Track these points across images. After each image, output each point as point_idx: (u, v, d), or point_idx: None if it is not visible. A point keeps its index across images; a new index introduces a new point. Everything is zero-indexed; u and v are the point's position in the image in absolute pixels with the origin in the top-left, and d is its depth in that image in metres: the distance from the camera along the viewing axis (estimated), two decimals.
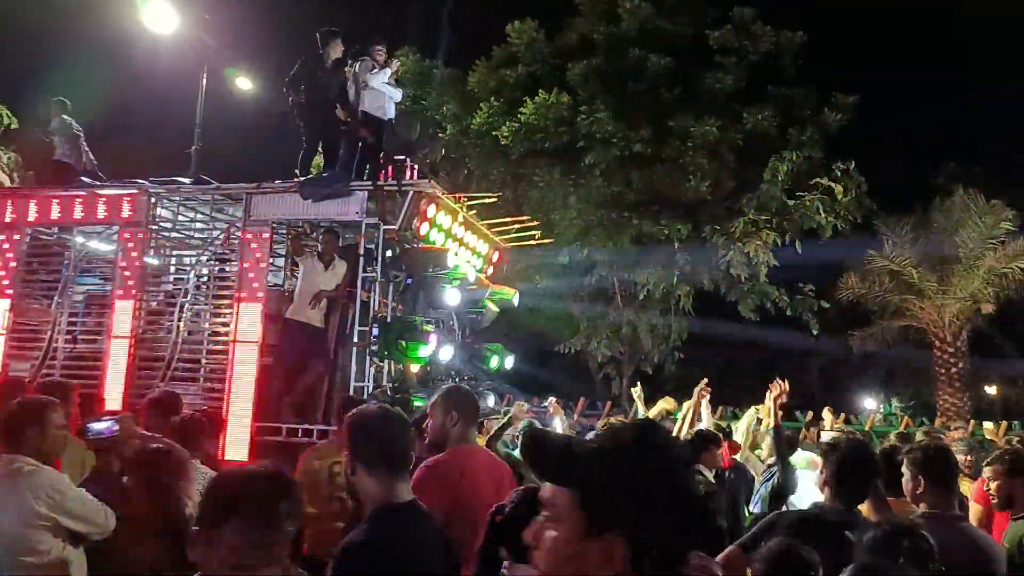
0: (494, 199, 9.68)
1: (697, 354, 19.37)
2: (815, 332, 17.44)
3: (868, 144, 17.15)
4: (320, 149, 7.72)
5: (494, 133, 17.38)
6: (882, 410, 21.90)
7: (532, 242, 10.26)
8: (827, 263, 18.48)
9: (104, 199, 7.67)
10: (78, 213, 7.74)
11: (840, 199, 15.60)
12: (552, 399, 8.48)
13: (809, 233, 16.10)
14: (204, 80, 14.01)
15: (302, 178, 7.54)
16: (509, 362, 9.54)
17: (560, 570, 1.24)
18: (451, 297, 7.82)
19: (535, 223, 10.07)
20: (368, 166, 7.70)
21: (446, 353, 8.33)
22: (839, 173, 15.62)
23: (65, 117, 9.07)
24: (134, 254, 7.47)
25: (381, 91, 7.97)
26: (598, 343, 19.31)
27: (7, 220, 7.90)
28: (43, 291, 8.09)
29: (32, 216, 7.88)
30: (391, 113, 8.12)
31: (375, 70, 8.01)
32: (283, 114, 7.99)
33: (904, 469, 3.20)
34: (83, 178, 8.39)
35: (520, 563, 2.58)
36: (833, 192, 15.59)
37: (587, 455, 1.28)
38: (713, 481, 4.78)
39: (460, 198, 8.26)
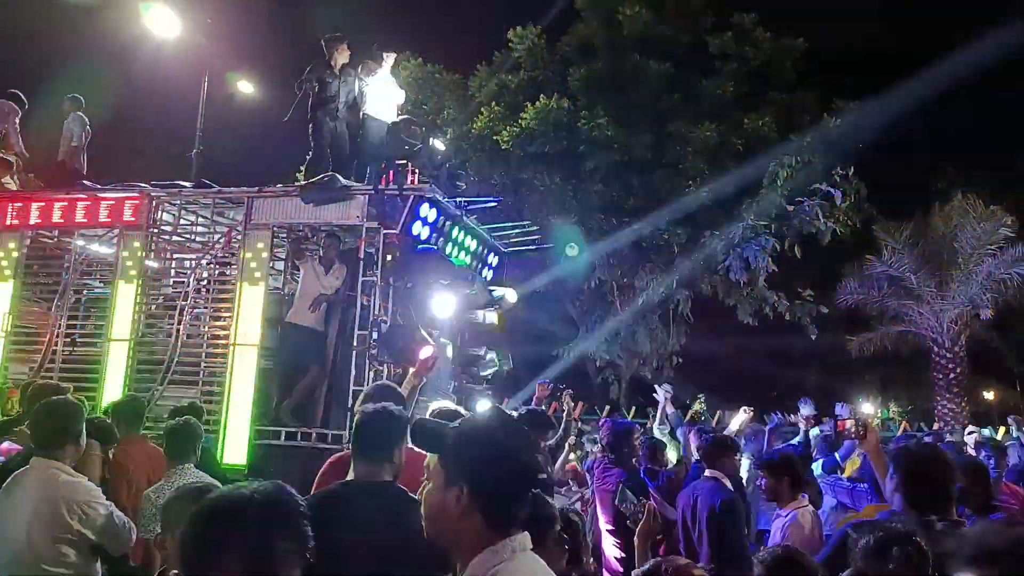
0: (494, 204, 9.71)
1: (695, 359, 19.39)
2: (813, 337, 17.46)
3: (867, 149, 17.16)
4: (328, 155, 7.74)
5: (495, 138, 17.42)
6: (879, 415, 21.90)
7: (533, 247, 10.29)
8: (826, 268, 18.51)
9: (106, 203, 7.70)
10: (80, 216, 7.78)
11: (839, 204, 15.63)
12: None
13: (808, 238, 16.14)
14: (205, 84, 14.07)
15: (303, 182, 7.58)
16: (507, 365, 9.58)
17: (433, 513, 1.72)
18: (450, 301, 7.85)
19: (535, 228, 10.10)
20: (369, 170, 7.74)
21: (444, 357, 8.39)
22: (838, 178, 15.67)
23: (80, 115, 9.14)
24: (134, 257, 7.50)
25: (383, 94, 8.03)
26: (596, 347, 19.34)
27: (9, 223, 7.93)
28: (43, 294, 8.12)
29: (34, 219, 7.91)
30: (392, 117, 8.17)
31: (376, 74, 8.07)
32: (286, 118, 8.01)
33: None
34: (84, 182, 8.43)
35: None
36: (832, 197, 15.63)
37: (451, 433, 1.73)
38: (731, 488, 4.73)
39: (461, 202, 8.29)
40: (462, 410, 4.72)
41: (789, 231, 15.95)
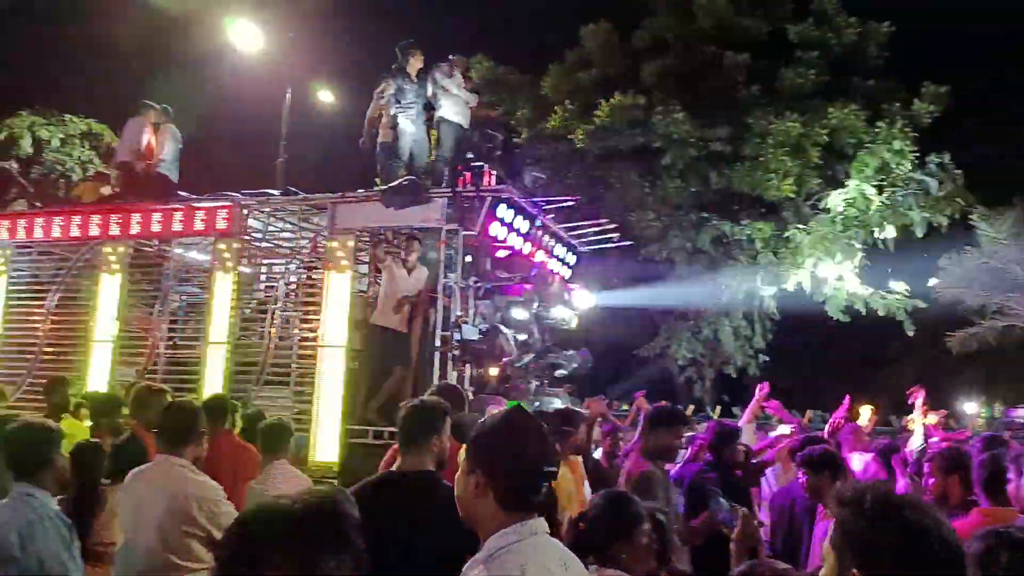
0: (572, 203, 9.69)
1: (783, 357, 18.82)
2: (910, 333, 16.67)
3: (964, 136, 16.24)
4: (407, 159, 7.90)
5: (569, 137, 17.38)
6: (983, 414, 20.70)
7: (610, 245, 10.22)
8: (922, 261, 17.64)
9: (201, 212, 8.07)
10: (177, 226, 8.18)
11: (934, 193, 14.86)
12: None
13: (902, 230, 15.40)
14: (289, 96, 14.58)
15: (384, 186, 7.75)
16: (587, 366, 9.54)
17: (459, 495, 1.94)
18: (528, 301, 7.89)
19: (613, 226, 10.02)
20: (447, 173, 7.85)
21: (524, 357, 8.42)
22: (933, 166, 14.90)
23: (172, 127, 9.64)
24: (228, 264, 7.83)
25: (459, 97, 8.12)
26: (678, 346, 19.03)
27: (114, 233, 8.42)
28: (146, 300, 8.59)
29: (135, 229, 8.37)
30: (468, 119, 8.26)
31: (451, 77, 8.17)
32: (367, 125, 8.22)
33: None
34: (180, 192, 8.87)
35: (607, 568, 2.59)
36: (927, 187, 14.88)
37: (476, 427, 1.98)
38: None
39: (537, 203, 8.31)
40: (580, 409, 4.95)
41: (881, 223, 15.26)
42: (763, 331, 18.40)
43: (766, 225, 15.92)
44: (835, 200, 15.27)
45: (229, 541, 1.39)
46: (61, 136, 21.14)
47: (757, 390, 7.03)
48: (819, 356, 21.39)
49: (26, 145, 20.66)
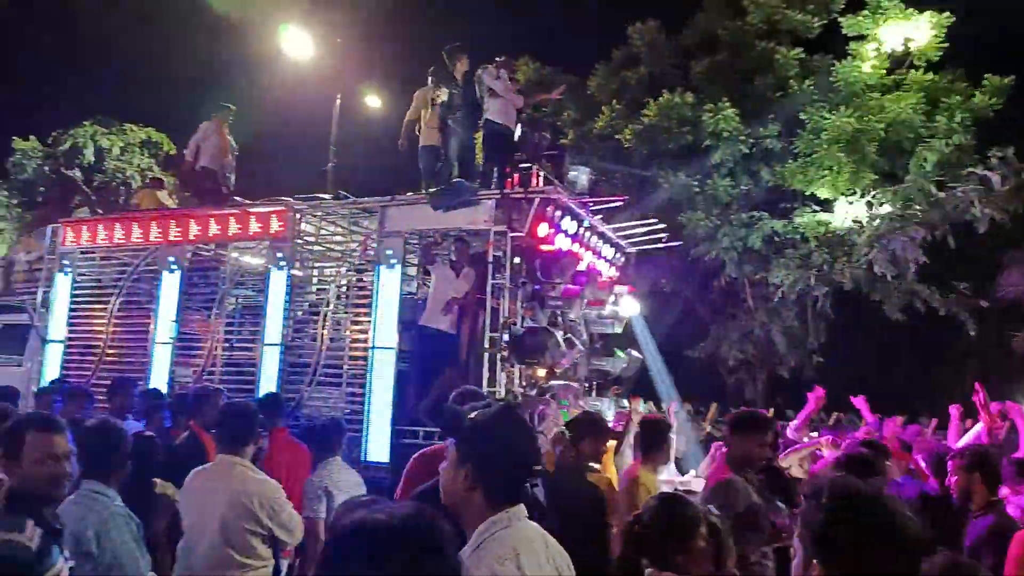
0: (620, 203, 9.63)
1: (838, 358, 18.34)
2: (972, 333, 16.08)
3: None
4: (454, 161, 7.96)
5: (616, 137, 17.26)
6: None
7: (659, 245, 10.12)
8: (984, 258, 16.99)
9: (255, 216, 8.26)
10: (233, 230, 8.38)
11: (997, 188, 14.31)
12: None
13: (963, 226, 14.86)
14: (338, 102, 14.84)
15: (432, 189, 7.81)
16: (636, 366, 9.47)
17: (447, 486, 2.05)
18: (578, 302, 7.86)
19: (661, 226, 9.92)
20: (495, 174, 7.87)
21: (573, 358, 8.39)
22: (995, 160, 14.34)
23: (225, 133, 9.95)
24: (282, 267, 7.99)
25: (505, 99, 8.13)
26: (729, 347, 18.72)
27: (172, 238, 8.68)
28: (203, 303, 8.82)
29: (193, 234, 8.61)
30: (515, 121, 8.27)
31: (498, 79, 8.18)
32: (405, 128, 8.30)
33: None
34: (235, 197, 9.09)
35: (663, 572, 2.56)
36: (989, 181, 14.33)
37: (467, 422, 2.08)
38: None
39: (586, 203, 8.28)
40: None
41: (941, 219, 14.75)
42: (817, 332, 17.97)
43: (820, 223, 15.54)
44: (893, 197, 14.83)
45: (329, 555, 1.39)
46: (121, 145, 21.87)
47: (811, 396, 6.79)
48: (877, 357, 20.79)
49: (89, 154, 21.43)
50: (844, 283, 15.67)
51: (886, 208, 15.06)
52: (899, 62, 16.26)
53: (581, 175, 8.48)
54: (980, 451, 3.94)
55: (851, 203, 15.41)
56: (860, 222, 15.30)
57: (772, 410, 16.38)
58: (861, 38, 16.18)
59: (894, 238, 14.70)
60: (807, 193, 15.77)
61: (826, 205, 15.86)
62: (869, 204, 15.29)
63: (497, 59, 8.27)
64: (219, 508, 3.37)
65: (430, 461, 3.42)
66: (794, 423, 6.40)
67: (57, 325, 9.15)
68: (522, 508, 2.04)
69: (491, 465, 2.00)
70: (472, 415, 2.10)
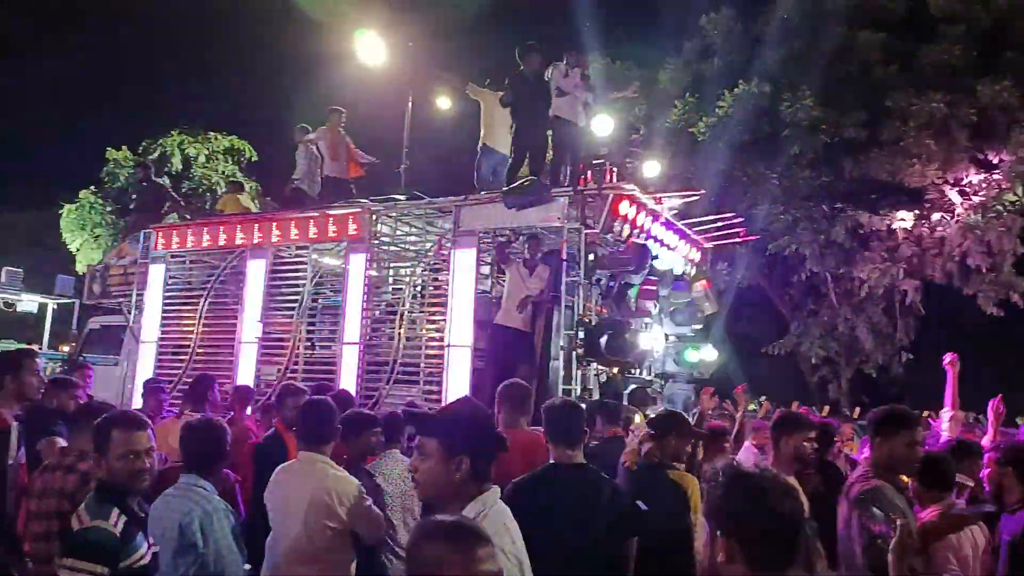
0: (696, 197, 9.43)
1: (929, 355, 17.49)
2: None
3: None
4: (527, 158, 7.95)
5: (690, 130, 16.94)
6: None
7: (736, 240, 9.87)
8: None
9: (333, 219, 8.45)
10: (312, 233, 8.61)
11: None
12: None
13: None
14: (410, 104, 15.05)
15: (505, 188, 7.82)
16: (714, 363, 9.25)
17: (434, 480, 2.25)
18: (654, 298, 7.74)
19: (739, 220, 9.67)
20: (568, 171, 7.83)
21: (649, 354, 8.27)
22: None
23: (306, 143, 10.32)
24: (359, 267, 8.16)
25: (575, 96, 8.08)
26: (811, 344, 18.13)
27: (256, 242, 8.98)
28: (285, 303, 9.08)
29: (275, 237, 8.88)
30: (584, 116, 8.20)
31: (567, 76, 8.13)
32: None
33: None
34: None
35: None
36: None
37: (444, 422, 2.38)
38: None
39: (660, 199, 8.14)
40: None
41: None
42: (906, 328, 17.21)
43: (908, 214, 14.85)
44: (988, 184, 14.05)
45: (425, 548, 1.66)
46: (206, 152, 22.83)
47: (948, 369, 6.07)
48: (970, 354, 19.73)
49: (177, 162, 22.45)
50: (935, 276, 14.94)
51: (980, 197, 14.27)
52: (991, 42, 15.37)
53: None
54: (1017, 447, 3.84)
55: (942, 192, 14.67)
56: (951, 212, 14.55)
57: (858, 410, 15.80)
58: (950, 19, 15.38)
59: (989, 228, 13.91)
60: (895, 183, 15.09)
61: (914, 195, 15.15)
62: (962, 193, 14.53)
63: (567, 56, 8.22)
64: (301, 504, 3.44)
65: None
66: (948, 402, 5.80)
67: (150, 326, 9.59)
68: (496, 489, 2.34)
69: (480, 450, 2.28)
70: (435, 415, 2.56)
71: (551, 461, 3.39)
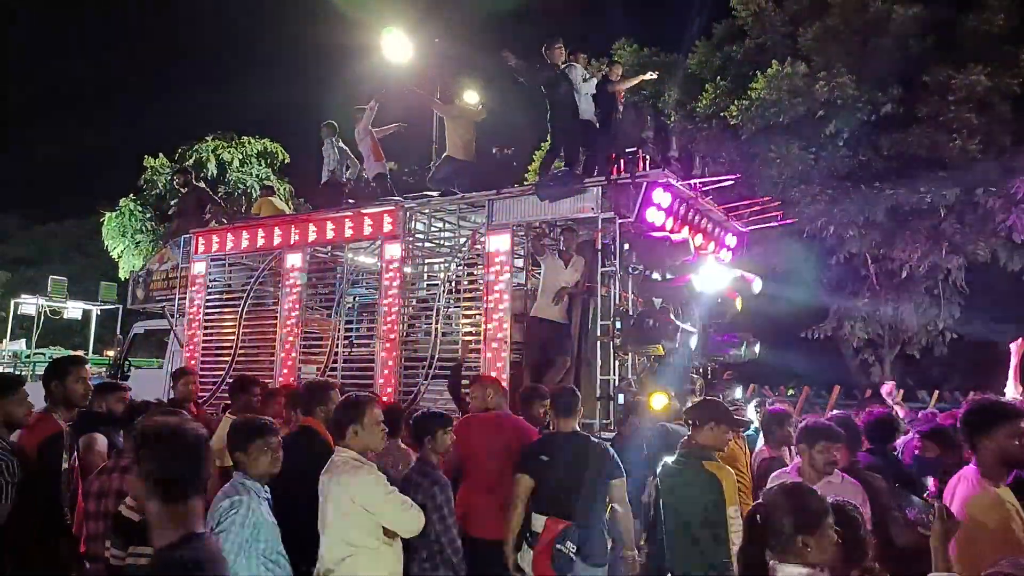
0: (731, 182, 9.30)
1: (975, 334, 17.07)
2: None
3: None
4: (562, 151, 7.92)
5: (722, 114, 16.69)
6: None
7: (773, 224, 9.71)
8: None
9: (368, 218, 8.52)
10: (347, 231, 8.68)
11: None
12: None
13: None
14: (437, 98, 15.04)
15: (537, 180, 7.80)
16: (755, 351, 9.13)
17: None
18: (691, 287, 7.64)
19: (775, 203, 9.51)
20: (600, 161, 7.77)
21: (689, 344, 8.18)
22: None
23: (333, 140, 10.40)
24: (395, 264, 8.21)
25: (579, 93, 8.00)
26: (852, 327, 17.79)
27: (292, 242, 9.09)
28: (322, 302, 9.20)
29: (311, 237, 8.98)
30: (592, 110, 8.12)
31: (586, 81, 8.06)
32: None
33: None
34: (349, 199, 9.40)
35: (788, 565, 2.46)
36: None
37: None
38: None
39: (696, 187, 8.05)
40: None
41: None
42: (950, 307, 16.80)
43: (950, 191, 14.46)
44: None
45: None
46: (240, 157, 23.16)
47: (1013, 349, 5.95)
48: (1018, 333, 19.19)
49: (212, 167, 22.82)
50: (979, 254, 14.54)
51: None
52: None
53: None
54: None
55: (985, 167, 14.25)
56: (995, 187, 14.13)
57: (902, 392, 15.46)
58: None
59: None
60: (935, 159, 14.70)
61: (954, 171, 14.75)
62: (1006, 169, 14.10)
63: (574, 54, 8.18)
64: (332, 498, 3.50)
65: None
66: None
67: (192, 329, 9.78)
68: None
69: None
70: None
71: (552, 430, 4.71)
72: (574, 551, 4.18)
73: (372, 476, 3.56)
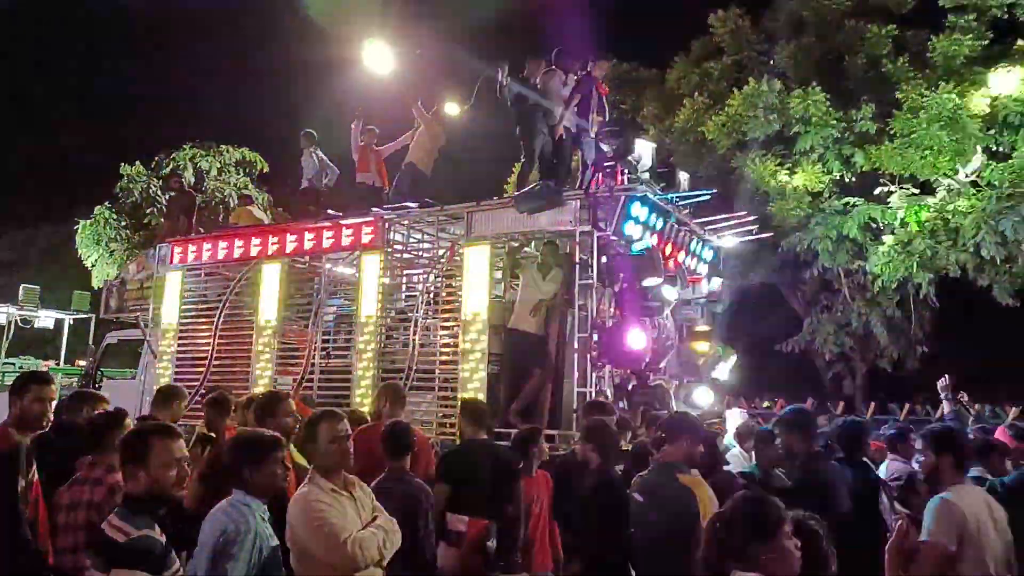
0: (708, 196, 9.42)
1: (945, 349, 17.37)
2: None
3: None
4: (537, 163, 7.97)
5: (699, 129, 16.90)
6: None
7: (748, 237, 9.84)
8: None
9: (347, 229, 8.51)
10: (326, 242, 8.66)
11: None
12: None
13: None
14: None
15: (516, 192, 7.84)
16: (729, 362, 9.24)
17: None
18: (667, 299, 7.72)
19: (751, 218, 9.64)
20: (580, 175, 7.84)
21: (663, 356, 8.26)
22: None
23: (312, 149, 10.42)
24: (373, 276, 8.20)
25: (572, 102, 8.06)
26: (824, 339, 18.02)
27: (270, 253, 9.04)
28: (300, 313, 9.14)
29: (290, 248, 8.94)
30: (591, 122, 8.19)
31: (566, 84, 8.12)
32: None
33: None
34: (329, 210, 9.38)
35: (747, 572, 2.49)
36: None
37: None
38: None
39: (672, 199, 8.14)
40: None
41: None
42: (921, 321, 17.08)
43: (921, 207, 14.74)
44: (1002, 174, 13.91)
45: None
46: (218, 165, 22.96)
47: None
48: (987, 347, 19.57)
49: (189, 176, 22.59)
50: (949, 269, 14.81)
51: (994, 187, 14.13)
52: (1004, 31, 15.25)
53: (645, 153, 8.12)
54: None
55: (955, 184, 14.54)
56: (965, 203, 14.40)
57: (873, 405, 15.70)
58: (960, 8, 15.26)
59: (1004, 218, 13.77)
60: (905, 176, 14.98)
61: (926, 188, 15.04)
62: (974, 184, 14.40)
63: (556, 60, 8.25)
64: None
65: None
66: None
67: (167, 339, 9.67)
68: None
69: None
70: None
71: (467, 438, 5.15)
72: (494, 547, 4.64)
73: (304, 503, 3.39)
